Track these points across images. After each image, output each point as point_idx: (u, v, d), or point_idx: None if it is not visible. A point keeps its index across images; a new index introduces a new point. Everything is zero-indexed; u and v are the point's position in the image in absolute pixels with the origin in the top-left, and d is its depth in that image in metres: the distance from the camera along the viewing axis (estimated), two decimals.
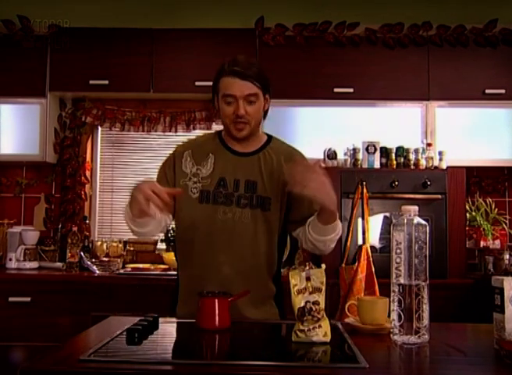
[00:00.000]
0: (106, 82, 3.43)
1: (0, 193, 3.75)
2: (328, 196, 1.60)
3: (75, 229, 3.43)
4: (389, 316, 1.51)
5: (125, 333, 1.36)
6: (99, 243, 3.55)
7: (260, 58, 3.40)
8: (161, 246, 3.64)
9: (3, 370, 2.90)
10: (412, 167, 3.25)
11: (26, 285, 3.11)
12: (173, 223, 1.89)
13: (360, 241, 3.09)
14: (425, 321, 1.35)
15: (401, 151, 3.28)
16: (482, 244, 3.38)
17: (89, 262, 3.31)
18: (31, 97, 3.47)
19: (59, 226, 3.67)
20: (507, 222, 3.54)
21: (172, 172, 1.85)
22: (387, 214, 3.14)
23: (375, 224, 3.13)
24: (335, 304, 2.95)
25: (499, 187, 3.67)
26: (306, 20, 3.48)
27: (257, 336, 1.52)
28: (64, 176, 3.69)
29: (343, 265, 3.03)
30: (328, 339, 1.35)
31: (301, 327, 1.34)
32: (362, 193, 3.10)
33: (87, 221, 3.67)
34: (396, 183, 3.13)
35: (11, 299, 3.06)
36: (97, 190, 3.85)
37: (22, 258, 3.38)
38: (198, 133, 3.72)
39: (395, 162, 3.26)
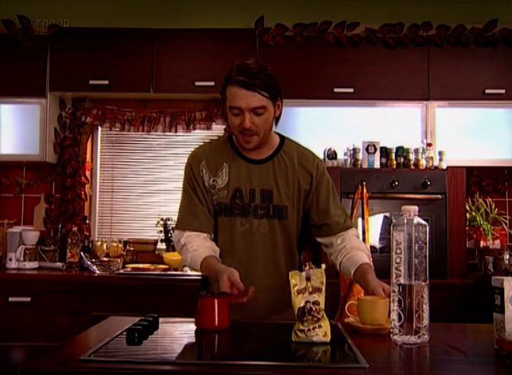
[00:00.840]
0: (106, 82, 3.43)
1: (0, 193, 3.75)
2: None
3: (75, 229, 3.43)
4: (389, 316, 1.51)
5: (125, 333, 1.36)
6: (99, 243, 3.55)
7: (260, 58, 3.38)
8: (161, 246, 3.64)
9: (3, 370, 2.90)
10: (412, 167, 3.25)
11: (26, 285, 3.11)
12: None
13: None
14: (425, 321, 1.35)
15: (401, 151, 3.28)
16: (482, 244, 3.38)
17: (89, 262, 3.30)
18: (31, 97, 3.47)
19: (59, 226, 3.67)
20: (507, 222, 3.54)
21: (198, 187, 1.81)
22: (387, 214, 3.14)
23: (375, 224, 3.13)
24: (335, 304, 2.95)
25: (499, 187, 3.67)
26: (306, 20, 3.48)
27: (257, 336, 1.52)
28: (64, 176, 3.69)
29: None
30: (328, 339, 1.34)
31: (301, 327, 1.34)
32: (362, 193, 3.10)
33: (87, 221, 3.67)
34: (396, 183, 3.14)
35: (11, 299, 3.06)
36: (97, 190, 3.85)
37: (22, 258, 3.38)
38: (198, 133, 3.73)
39: (395, 162, 3.26)
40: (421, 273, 1.36)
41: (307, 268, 1.38)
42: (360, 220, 3.11)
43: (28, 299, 3.06)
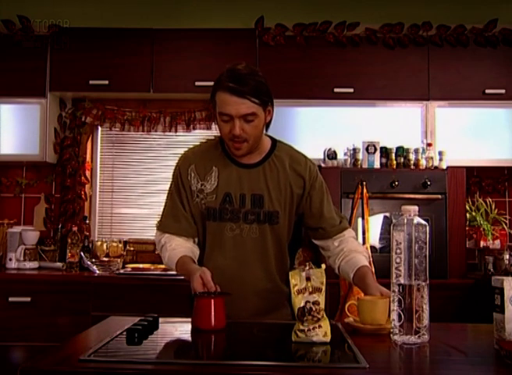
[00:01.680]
0: (106, 82, 3.43)
1: (0, 193, 3.75)
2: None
3: (75, 229, 3.43)
4: (389, 316, 1.51)
5: (125, 333, 1.36)
6: (99, 243, 3.55)
7: (260, 58, 3.41)
8: None
9: (3, 370, 2.91)
10: (412, 167, 3.25)
11: (26, 285, 3.11)
12: None
13: (360, 241, 3.09)
14: (425, 321, 1.35)
15: (401, 151, 3.28)
16: (482, 244, 3.38)
17: (89, 262, 3.31)
18: (31, 97, 3.47)
19: (59, 226, 3.67)
20: (507, 222, 3.54)
21: (184, 191, 1.81)
22: (387, 214, 3.14)
23: (375, 224, 3.13)
24: (335, 304, 2.95)
25: (499, 187, 3.67)
26: (306, 20, 3.48)
27: (257, 336, 1.52)
28: (64, 176, 3.69)
29: None
30: (328, 339, 1.34)
31: (301, 327, 1.34)
32: (362, 193, 3.10)
33: (87, 221, 3.67)
34: (396, 183, 3.14)
35: (11, 299, 3.06)
36: (97, 190, 3.85)
37: (22, 258, 3.38)
38: (198, 133, 3.73)
39: (395, 162, 3.26)
40: (421, 273, 1.36)
41: (307, 268, 1.38)
42: (360, 220, 3.11)
43: (28, 299, 3.06)
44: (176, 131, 3.70)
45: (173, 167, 1.89)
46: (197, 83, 3.38)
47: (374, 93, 3.41)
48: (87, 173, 3.77)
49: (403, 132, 3.43)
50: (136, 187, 3.84)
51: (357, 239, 1.90)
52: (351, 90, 3.38)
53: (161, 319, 1.52)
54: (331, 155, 3.32)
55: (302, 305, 1.35)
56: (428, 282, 1.37)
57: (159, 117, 3.69)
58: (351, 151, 3.31)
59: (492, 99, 3.38)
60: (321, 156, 3.32)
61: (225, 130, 1.69)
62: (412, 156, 3.26)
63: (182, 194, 1.80)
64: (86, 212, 3.74)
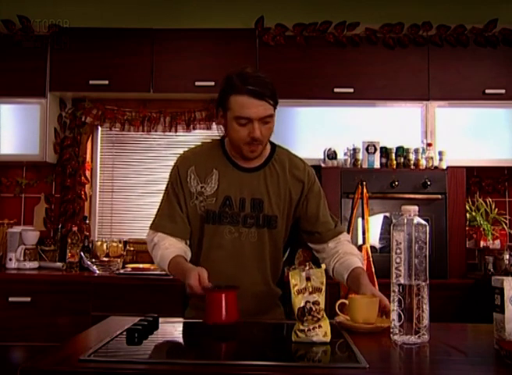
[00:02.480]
0: (106, 82, 3.43)
1: (0, 193, 3.75)
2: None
3: (75, 229, 3.43)
4: (382, 315, 1.51)
5: (125, 333, 1.36)
6: (99, 243, 3.55)
7: (260, 58, 3.41)
8: None
9: (3, 370, 2.90)
10: (412, 167, 3.25)
11: (26, 285, 3.11)
12: None
13: (360, 241, 3.09)
14: (425, 321, 1.35)
15: (401, 151, 3.28)
16: (482, 244, 3.38)
17: (89, 262, 3.31)
18: (31, 97, 3.46)
19: (59, 226, 3.67)
20: (507, 222, 3.54)
21: (181, 192, 1.79)
22: (387, 214, 3.14)
23: (375, 224, 3.13)
24: (335, 304, 2.94)
25: (499, 187, 3.67)
26: (306, 20, 3.48)
27: (257, 336, 1.52)
28: (64, 176, 3.69)
29: None
30: (328, 339, 1.34)
31: (301, 327, 1.34)
32: (362, 193, 3.10)
33: (87, 221, 3.67)
34: (396, 183, 3.14)
35: (11, 299, 3.06)
36: (97, 190, 3.85)
37: (22, 258, 3.38)
38: (198, 133, 3.73)
39: (395, 162, 3.26)
40: (421, 273, 1.36)
41: (307, 268, 1.38)
42: (360, 220, 3.11)
43: (28, 299, 3.06)
44: (176, 131, 3.70)
45: None
46: (197, 83, 3.38)
47: (374, 93, 3.41)
48: (87, 173, 3.77)
49: (403, 132, 3.43)
50: (136, 187, 3.84)
51: (351, 243, 1.90)
52: (351, 90, 3.38)
53: (161, 319, 1.52)
54: (331, 155, 3.32)
55: (302, 305, 1.35)
56: (428, 282, 1.37)
57: (159, 117, 3.69)
58: (351, 151, 3.31)
59: (492, 99, 3.38)
60: (321, 156, 3.32)
61: (243, 134, 1.67)
62: (412, 156, 3.26)
63: (179, 194, 1.79)
64: (86, 212, 3.74)
